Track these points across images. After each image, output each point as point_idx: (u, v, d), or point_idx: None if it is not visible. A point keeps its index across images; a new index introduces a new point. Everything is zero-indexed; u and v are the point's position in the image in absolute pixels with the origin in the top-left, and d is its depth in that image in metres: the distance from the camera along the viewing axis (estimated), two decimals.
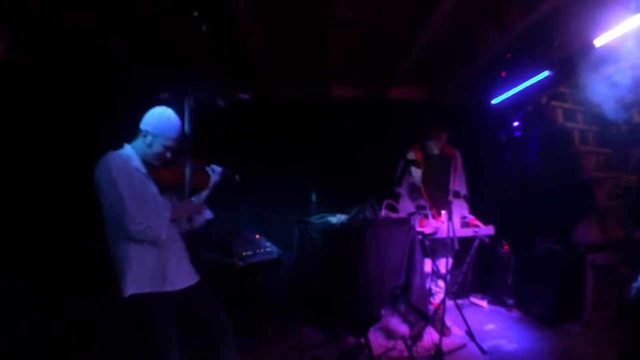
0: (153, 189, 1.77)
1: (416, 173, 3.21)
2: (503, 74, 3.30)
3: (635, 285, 2.11)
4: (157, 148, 1.75)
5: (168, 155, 1.80)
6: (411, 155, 3.23)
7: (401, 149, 3.30)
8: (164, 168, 1.81)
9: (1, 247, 2.39)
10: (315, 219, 2.90)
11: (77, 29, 2.65)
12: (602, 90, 3.65)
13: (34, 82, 2.62)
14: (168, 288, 1.71)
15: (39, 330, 2.45)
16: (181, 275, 1.80)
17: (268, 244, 2.93)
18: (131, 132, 1.81)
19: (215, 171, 1.99)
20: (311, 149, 3.73)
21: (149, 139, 1.74)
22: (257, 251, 2.85)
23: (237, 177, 2.09)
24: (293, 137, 3.59)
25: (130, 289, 1.64)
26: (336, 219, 2.84)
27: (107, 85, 3.07)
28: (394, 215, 2.95)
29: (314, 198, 2.80)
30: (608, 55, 2.97)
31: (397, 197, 3.22)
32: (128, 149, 1.77)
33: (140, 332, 1.79)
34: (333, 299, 2.78)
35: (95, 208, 2.82)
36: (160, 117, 1.75)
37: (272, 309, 3.13)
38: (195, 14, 2.43)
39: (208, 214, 2.04)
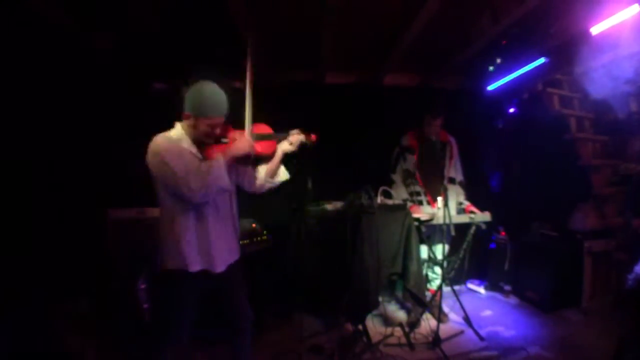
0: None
1: (411, 159, 3.13)
2: (498, 60, 3.18)
3: (631, 276, 2.03)
4: (201, 128, 1.63)
5: (217, 131, 1.66)
6: (406, 142, 3.16)
7: (396, 136, 3.23)
8: (217, 145, 1.68)
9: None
10: (311, 207, 2.84)
11: (67, 23, 2.56)
12: (599, 78, 3.55)
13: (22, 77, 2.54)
14: (205, 267, 1.66)
15: (37, 326, 2.38)
16: (222, 256, 1.72)
17: (265, 233, 2.85)
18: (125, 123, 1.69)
19: (285, 138, 1.86)
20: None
21: (191, 120, 1.63)
22: (254, 240, 2.77)
23: (312, 137, 1.92)
24: (286, 125, 3.50)
25: (168, 264, 1.61)
26: (332, 206, 2.77)
27: (97, 78, 2.98)
28: (390, 201, 2.87)
29: (309, 185, 2.72)
30: (605, 43, 2.87)
31: (391, 184, 3.15)
32: (178, 130, 1.67)
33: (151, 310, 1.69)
34: (330, 286, 2.76)
35: (91, 205, 2.79)
36: (196, 97, 1.61)
37: (270, 298, 3.06)
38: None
39: (284, 174, 1.96)
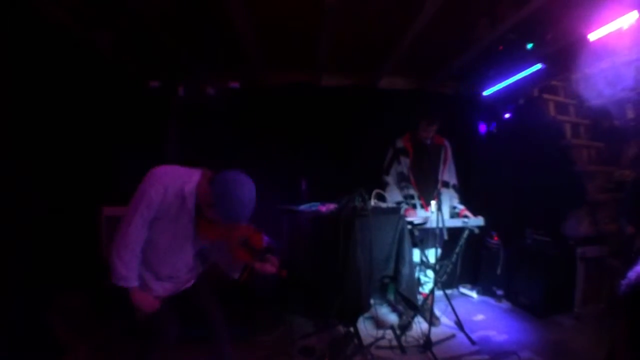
0: (183, 231, 1.55)
1: (405, 162, 3.10)
2: (500, 48, 3.14)
3: (624, 282, 1.99)
4: (210, 215, 1.51)
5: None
6: (400, 144, 3.14)
7: (391, 139, 3.20)
8: (212, 224, 1.56)
9: None
10: (304, 208, 2.81)
11: (64, 21, 2.53)
12: (595, 85, 3.52)
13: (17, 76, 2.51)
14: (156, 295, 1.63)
15: (31, 321, 2.35)
16: (175, 289, 1.70)
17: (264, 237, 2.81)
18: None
19: (264, 261, 1.70)
20: (300, 138, 3.64)
21: (210, 202, 1.47)
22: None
23: (283, 273, 1.75)
24: (282, 126, 3.50)
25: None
26: (325, 207, 2.75)
27: (94, 77, 2.95)
28: (383, 204, 2.84)
29: (303, 186, 2.69)
30: (602, 50, 2.84)
31: (384, 186, 3.12)
32: (195, 180, 1.51)
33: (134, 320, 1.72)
34: (322, 288, 2.73)
35: (85, 202, 2.76)
36: (228, 200, 1.43)
37: (263, 299, 3.03)
38: None
39: (234, 274, 1.81)
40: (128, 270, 1.48)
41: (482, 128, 3.87)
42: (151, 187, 1.45)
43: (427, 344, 2.52)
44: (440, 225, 2.59)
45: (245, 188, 1.47)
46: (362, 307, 2.59)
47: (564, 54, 3.11)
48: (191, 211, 1.52)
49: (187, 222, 1.54)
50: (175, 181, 1.48)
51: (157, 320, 1.62)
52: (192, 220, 1.55)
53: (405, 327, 2.84)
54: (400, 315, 3.12)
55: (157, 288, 1.65)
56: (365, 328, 2.83)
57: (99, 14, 2.64)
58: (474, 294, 3.72)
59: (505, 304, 3.47)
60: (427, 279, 3.19)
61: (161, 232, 1.53)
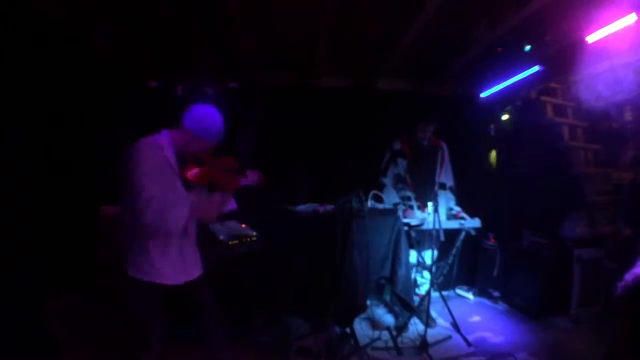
0: (179, 184, 1.65)
1: (402, 163, 3.08)
2: (499, 49, 3.11)
3: (621, 284, 1.96)
4: (194, 148, 1.65)
5: (203, 154, 1.69)
6: (397, 146, 3.12)
7: (388, 140, 3.18)
8: (195, 166, 1.68)
9: None
10: (302, 209, 2.79)
11: (64, 19, 2.51)
12: (593, 87, 3.50)
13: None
14: (164, 281, 1.61)
15: (28, 322, 2.34)
16: (183, 271, 1.70)
17: (254, 234, 2.80)
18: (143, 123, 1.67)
19: (245, 174, 1.88)
20: (299, 138, 3.62)
21: (189, 137, 1.63)
22: (243, 241, 2.71)
23: (265, 180, 1.98)
24: (281, 127, 3.47)
25: (130, 271, 1.57)
26: (323, 208, 2.73)
27: (92, 76, 2.93)
28: (380, 205, 2.82)
29: (300, 187, 2.68)
30: (600, 53, 2.82)
31: (381, 187, 3.10)
32: (165, 137, 1.64)
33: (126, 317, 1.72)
34: (319, 289, 2.69)
35: (84, 202, 2.75)
36: (205, 121, 1.63)
37: (260, 299, 3.01)
38: None
39: (232, 205, 1.92)
40: (174, 209, 1.51)
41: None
42: (142, 155, 1.51)
43: (423, 345, 2.51)
44: (437, 226, 2.57)
45: (212, 109, 1.68)
46: (358, 308, 2.59)
47: (562, 56, 3.09)
48: (175, 166, 1.63)
49: (175, 177, 1.62)
50: (153, 144, 1.58)
51: (145, 321, 1.61)
52: (177, 174, 1.64)
53: (401, 328, 2.82)
54: (396, 316, 3.10)
55: (167, 271, 1.63)
56: (361, 329, 2.82)
57: (97, 12, 2.62)
58: (470, 296, 3.70)
59: (501, 306, 3.45)
60: (424, 280, 3.17)
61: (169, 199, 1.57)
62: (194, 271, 1.76)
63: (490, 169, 3.77)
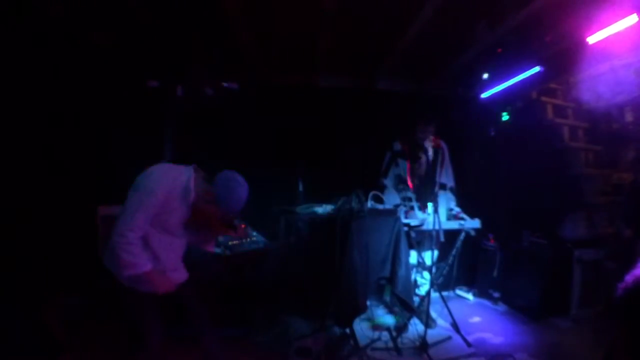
0: (177, 219, 1.66)
1: (402, 164, 3.07)
2: (499, 50, 3.10)
3: (622, 285, 1.95)
4: (212, 210, 1.68)
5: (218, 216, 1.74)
6: (397, 147, 3.12)
7: (388, 141, 3.17)
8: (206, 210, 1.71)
9: None
10: (301, 209, 2.79)
11: (62, 19, 2.50)
12: (594, 88, 3.49)
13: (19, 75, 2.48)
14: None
15: (27, 322, 2.33)
16: (172, 277, 1.72)
17: (254, 234, 2.80)
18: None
19: (235, 229, 1.93)
20: (298, 139, 3.62)
21: (211, 198, 1.65)
22: (244, 241, 2.71)
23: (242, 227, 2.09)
24: (280, 127, 3.47)
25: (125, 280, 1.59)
26: (322, 209, 2.74)
27: (92, 76, 2.92)
28: (380, 206, 2.81)
29: (300, 188, 2.67)
30: (601, 53, 2.80)
31: (382, 189, 3.10)
32: (191, 177, 1.64)
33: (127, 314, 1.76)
34: (319, 289, 2.70)
35: (82, 205, 2.74)
36: (233, 196, 1.66)
37: (260, 299, 3.00)
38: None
39: (211, 248, 2.01)
40: (135, 257, 1.52)
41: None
42: (158, 186, 1.54)
43: (423, 345, 2.50)
44: (437, 227, 2.56)
45: (243, 188, 1.70)
46: (358, 309, 2.58)
47: (562, 57, 3.07)
48: (189, 204, 1.65)
49: (184, 211, 1.65)
50: (176, 180, 1.61)
51: (144, 323, 1.63)
52: (188, 209, 1.66)
53: (401, 328, 2.82)
54: (396, 316, 3.09)
55: (169, 272, 1.69)
56: (361, 329, 2.81)
57: (98, 13, 2.61)
58: (470, 296, 3.69)
59: (501, 306, 3.44)
60: (424, 281, 3.16)
61: (168, 220, 1.62)
62: (179, 278, 1.78)
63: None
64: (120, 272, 1.54)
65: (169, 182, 1.58)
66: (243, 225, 2.06)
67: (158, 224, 1.59)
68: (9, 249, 2.42)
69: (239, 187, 1.67)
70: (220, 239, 2.65)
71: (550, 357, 2.49)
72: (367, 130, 3.68)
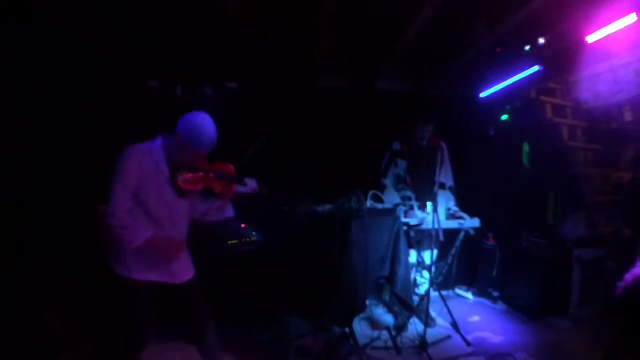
0: (166, 193, 1.65)
1: (402, 164, 3.06)
2: (498, 50, 3.09)
3: (622, 284, 1.95)
4: (186, 155, 1.65)
5: (196, 162, 1.70)
6: (397, 147, 3.12)
7: (388, 140, 3.17)
8: (188, 173, 1.68)
9: None
10: (301, 209, 2.77)
11: (62, 20, 2.50)
12: (593, 88, 3.48)
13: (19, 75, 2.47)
14: (140, 277, 1.62)
15: (28, 321, 2.33)
16: (166, 269, 1.69)
17: (254, 233, 2.79)
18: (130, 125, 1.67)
19: (243, 183, 1.87)
20: (298, 139, 3.61)
21: (181, 145, 1.63)
22: (243, 240, 2.70)
23: (264, 189, 1.98)
24: (280, 127, 3.47)
25: (118, 270, 1.61)
26: (322, 209, 2.72)
27: (93, 76, 2.91)
28: (379, 205, 2.81)
29: (300, 187, 2.67)
30: (600, 53, 2.80)
31: (382, 189, 3.10)
32: (158, 144, 1.65)
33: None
34: (318, 288, 2.70)
35: (81, 203, 2.73)
36: (198, 131, 1.62)
37: (259, 299, 3.00)
38: None
39: (229, 213, 1.95)
40: (130, 227, 1.53)
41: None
42: (126, 161, 1.56)
43: (422, 345, 2.50)
44: (436, 226, 2.56)
45: (205, 117, 1.67)
46: (357, 308, 2.58)
47: (562, 57, 3.07)
48: (166, 172, 1.64)
49: (165, 183, 1.64)
50: (144, 150, 1.61)
51: (136, 320, 1.64)
52: (168, 180, 1.65)
53: (401, 328, 2.81)
54: (396, 316, 3.09)
55: (140, 267, 1.65)
56: (360, 328, 2.81)
57: (98, 12, 2.61)
58: (469, 296, 3.69)
59: (501, 306, 3.43)
60: (423, 280, 3.16)
61: (148, 201, 1.60)
62: (183, 274, 1.75)
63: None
64: (126, 256, 1.56)
65: (138, 155, 1.58)
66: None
67: (144, 213, 1.58)
68: (9, 249, 2.41)
69: (198, 119, 1.64)
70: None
71: (549, 357, 2.49)
72: (367, 130, 3.67)
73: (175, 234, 1.70)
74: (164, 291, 1.68)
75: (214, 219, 1.93)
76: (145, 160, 1.58)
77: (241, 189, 1.86)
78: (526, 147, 3.66)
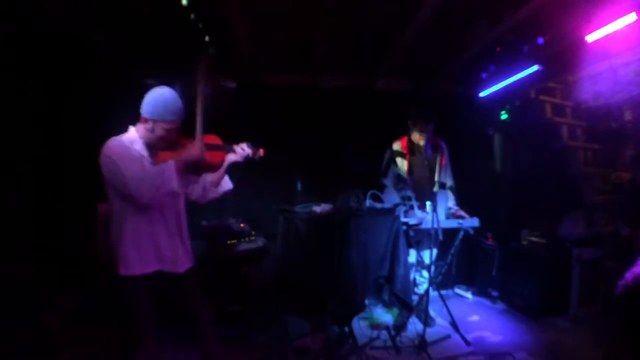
0: None
1: (402, 164, 3.05)
2: (498, 49, 3.08)
3: (621, 283, 1.93)
4: (158, 132, 1.62)
5: (173, 135, 1.66)
6: (397, 146, 3.11)
7: (388, 140, 3.16)
8: (169, 151, 1.64)
9: None
10: (300, 208, 2.78)
11: (61, 20, 2.48)
12: (593, 87, 3.47)
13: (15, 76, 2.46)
14: (157, 267, 1.62)
15: (27, 322, 2.32)
16: (174, 257, 1.69)
17: (253, 233, 2.78)
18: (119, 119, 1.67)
19: (233, 150, 1.82)
20: (297, 138, 3.60)
21: (149, 124, 1.61)
22: (242, 240, 2.70)
23: (260, 151, 1.91)
24: (279, 127, 3.47)
25: (121, 270, 1.57)
26: (321, 208, 2.73)
27: (90, 76, 2.90)
28: (378, 205, 2.80)
29: (299, 187, 2.66)
30: (600, 52, 2.79)
31: (382, 188, 3.09)
32: (132, 133, 1.65)
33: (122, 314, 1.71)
34: (317, 288, 2.68)
35: (81, 202, 2.72)
36: (157, 101, 1.60)
37: (258, 299, 2.99)
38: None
39: (227, 185, 1.93)
40: (161, 179, 1.51)
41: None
42: (121, 150, 1.54)
43: (421, 344, 2.49)
44: (436, 225, 2.55)
45: (164, 87, 1.65)
46: (356, 307, 2.57)
47: (561, 56, 3.05)
48: (148, 158, 1.63)
49: (144, 162, 1.62)
50: (125, 141, 1.60)
51: (138, 320, 1.61)
52: (147, 158, 1.63)
53: (400, 327, 2.80)
54: (395, 315, 3.07)
55: (166, 251, 1.65)
56: (360, 328, 2.80)
57: (97, 12, 2.60)
58: (469, 295, 3.67)
59: (500, 305, 3.42)
60: (423, 280, 3.15)
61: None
62: (184, 260, 1.73)
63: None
64: (126, 250, 1.56)
65: (125, 146, 1.58)
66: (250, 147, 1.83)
67: (133, 207, 1.56)
68: (9, 249, 2.41)
69: (157, 92, 1.62)
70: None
71: (549, 356, 2.48)
72: (367, 130, 3.66)
73: (170, 224, 1.68)
74: (163, 284, 1.65)
75: (214, 195, 1.91)
76: (129, 149, 1.58)
77: (233, 157, 1.82)
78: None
